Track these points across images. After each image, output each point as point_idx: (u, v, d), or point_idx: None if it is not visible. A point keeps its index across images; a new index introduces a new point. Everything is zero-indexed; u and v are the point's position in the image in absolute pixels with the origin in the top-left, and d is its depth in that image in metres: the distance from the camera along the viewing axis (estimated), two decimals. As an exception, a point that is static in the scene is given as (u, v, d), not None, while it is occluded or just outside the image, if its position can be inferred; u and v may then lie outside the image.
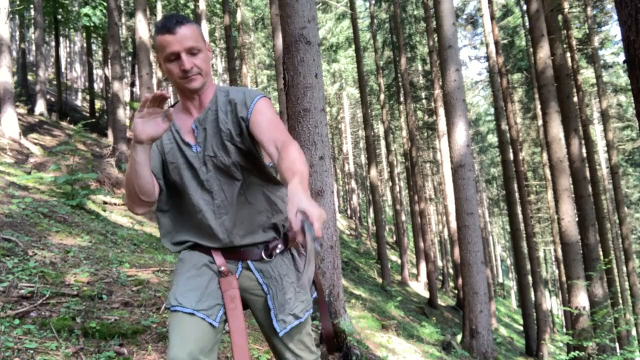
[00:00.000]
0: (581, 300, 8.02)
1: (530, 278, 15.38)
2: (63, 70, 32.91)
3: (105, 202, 8.37)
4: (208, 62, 1.48)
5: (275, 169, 1.46)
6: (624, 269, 15.85)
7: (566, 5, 13.65)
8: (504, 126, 14.75)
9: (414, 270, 23.72)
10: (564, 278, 14.37)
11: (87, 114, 21.68)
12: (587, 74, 20.25)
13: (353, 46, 19.87)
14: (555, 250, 21.15)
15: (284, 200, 1.59)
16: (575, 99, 12.90)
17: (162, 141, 1.53)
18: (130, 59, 24.90)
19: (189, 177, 1.50)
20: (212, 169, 1.49)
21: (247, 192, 1.53)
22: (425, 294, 18.36)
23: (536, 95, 18.55)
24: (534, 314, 14.43)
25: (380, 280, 16.53)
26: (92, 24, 16.34)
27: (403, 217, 21.93)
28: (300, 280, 1.48)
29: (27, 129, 12.81)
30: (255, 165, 1.52)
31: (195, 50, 1.43)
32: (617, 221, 16.38)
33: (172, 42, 1.40)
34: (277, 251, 1.55)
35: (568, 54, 13.90)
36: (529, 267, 15.19)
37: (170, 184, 1.56)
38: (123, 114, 12.60)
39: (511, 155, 14.84)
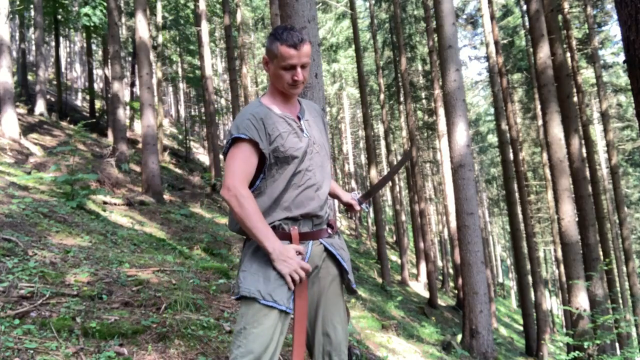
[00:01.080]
0: (581, 300, 8.01)
1: (530, 278, 15.38)
2: (63, 70, 32.91)
3: (105, 202, 8.37)
4: (308, 73, 1.81)
5: None
6: (624, 269, 15.85)
7: (566, 5, 13.66)
8: (504, 126, 14.74)
9: (414, 270, 23.72)
10: (564, 278, 14.37)
11: (87, 114, 21.67)
12: (587, 74, 20.23)
13: (353, 46, 19.85)
14: (555, 250, 21.16)
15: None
16: (575, 99, 12.89)
17: (279, 130, 1.75)
18: (130, 59, 24.89)
19: (301, 157, 1.78)
20: (315, 153, 1.83)
21: (329, 177, 1.90)
22: (425, 294, 18.36)
23: (536, 95, 18.56)
24: (534, 314, 14.43)
25: (380, 280, 16.53)
26: (92, 24, 16.31)
27: (403, 217, 21.93)
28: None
29: (27, 129, 12.81)
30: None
31: (306, 65, 1.75)
32: (617, 221, 16.38)
33: (294, 56, 1.70)
34: (336, 229, 1.90)
35: (568, 54, 13.90)
36: (529, 267, 15.19)
37: (270, 167, 1.77)
38: (123, 114, 12.59)
39: (511, 155, 14.84)
